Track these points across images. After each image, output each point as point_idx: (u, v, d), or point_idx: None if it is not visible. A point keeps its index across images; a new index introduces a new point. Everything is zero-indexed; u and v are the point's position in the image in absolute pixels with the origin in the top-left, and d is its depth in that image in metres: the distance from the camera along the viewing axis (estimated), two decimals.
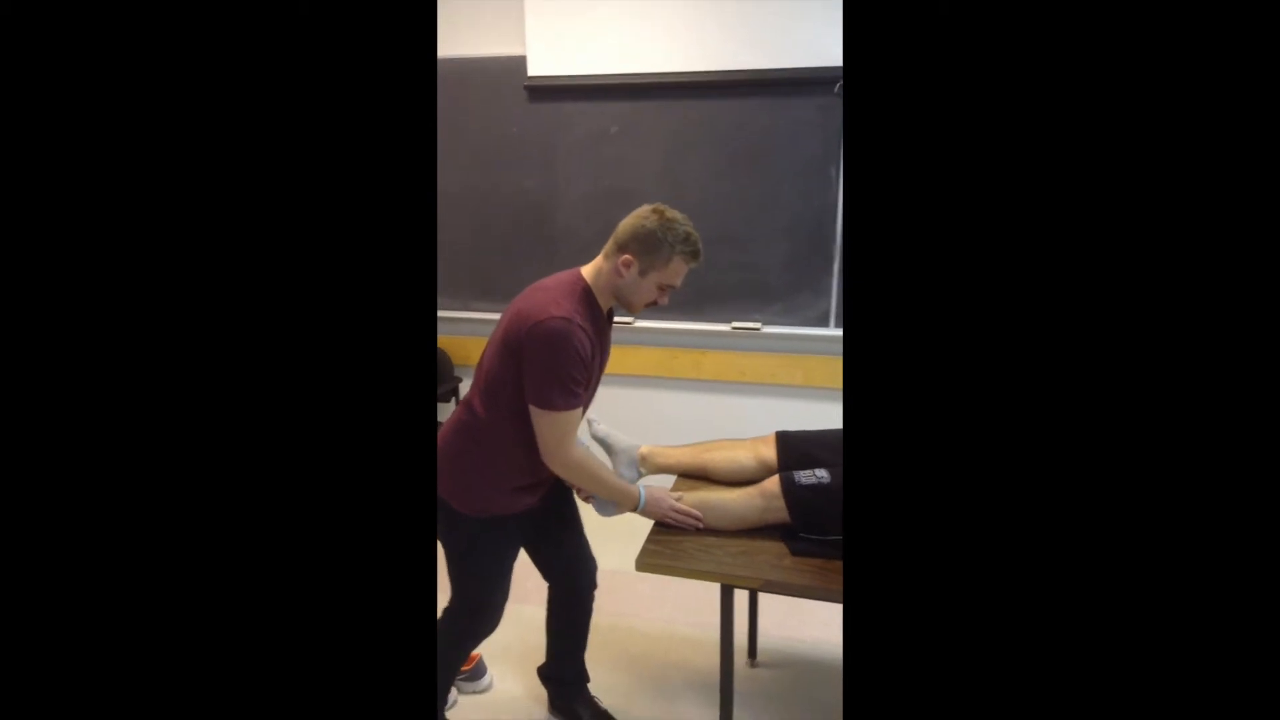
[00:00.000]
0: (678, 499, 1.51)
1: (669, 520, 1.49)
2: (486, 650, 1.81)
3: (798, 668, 1.96)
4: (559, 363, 1.30)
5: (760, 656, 1.98)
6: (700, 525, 1.47)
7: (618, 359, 2.82)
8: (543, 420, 1.35)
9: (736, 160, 2.56)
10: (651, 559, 1.38)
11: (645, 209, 1.38)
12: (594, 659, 1.76)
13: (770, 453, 1.65)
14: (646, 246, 1.35)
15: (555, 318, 1.30)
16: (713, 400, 2.80)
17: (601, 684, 1.81)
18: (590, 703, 1.75)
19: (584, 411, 1.48)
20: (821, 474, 1.45)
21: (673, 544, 1.43)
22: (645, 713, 1.79)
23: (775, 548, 1.42)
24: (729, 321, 2.66)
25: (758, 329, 2.63)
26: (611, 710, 1.75)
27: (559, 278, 1.43)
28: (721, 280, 2.62)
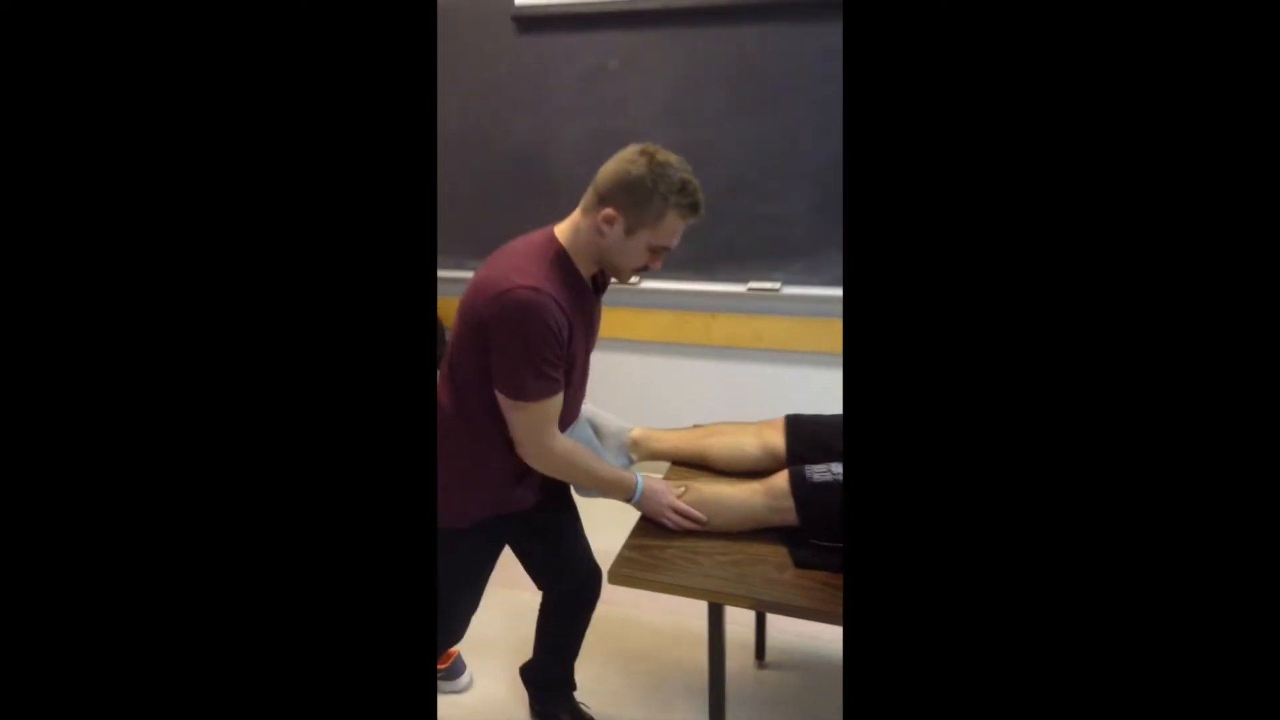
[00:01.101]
0: (680, 492, 1.29)
1: (665, 520, 1.27)
2: (469, 643, 1.59)
3: (810, 669, 1.77)
4: (528, 342, 1.08)
5: (769, 657, 1.78)
6: (701, 529, 1.26)
7: (620, 323, 2.61)
8: (514, 411, 1.13)
9: (752, 97, 2.26)
10: (626, 569, 1.17)
11: (631, 150, 1.12)
12: (585, 655, 1.57)
13: (778, 439, 1.42)
14: (634, 198, 1.10)
15: (521, 287, 1.07)
16: (726, 369, 2.56)
17: (590, 685, 1.64)
18: (575, 709, 1.58)
19: (576, 397, 1.27)
20: (837, 469, 1.22)
21: (654, 550, 1.22)
22: (634, 718, 1.62)
23: (776, 555, 1.20)
24: (745, 281, 2.40)
25: (777, 289, 2.38)
26: (599, 715, 1.58)
27: (528, 239, 1.19)
28: (736, 235, 2.35)
